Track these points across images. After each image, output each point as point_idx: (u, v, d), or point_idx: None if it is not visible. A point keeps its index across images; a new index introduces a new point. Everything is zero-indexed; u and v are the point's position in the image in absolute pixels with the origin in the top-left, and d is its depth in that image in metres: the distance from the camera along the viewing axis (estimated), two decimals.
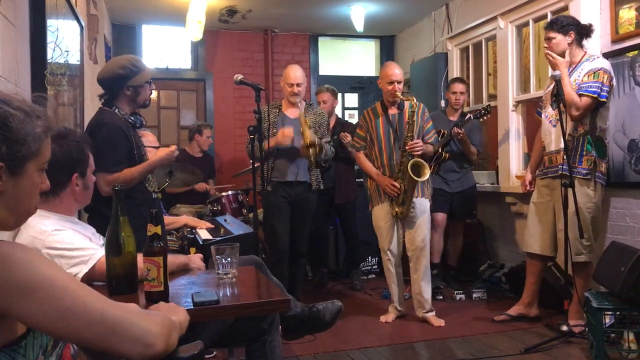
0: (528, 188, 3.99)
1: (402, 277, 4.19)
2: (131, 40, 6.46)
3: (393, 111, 4.08)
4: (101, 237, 2.12)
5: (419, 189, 3.97)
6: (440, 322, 3.96)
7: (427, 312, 4.03)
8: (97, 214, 2.58)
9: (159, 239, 1.75)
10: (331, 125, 5.23)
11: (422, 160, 3.88)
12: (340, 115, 6.00)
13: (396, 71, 4.02)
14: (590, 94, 3.47)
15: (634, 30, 3.72)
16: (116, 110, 2.80)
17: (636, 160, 3.71)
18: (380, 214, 4.08)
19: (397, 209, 3.96)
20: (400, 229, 4.11)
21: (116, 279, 1.81)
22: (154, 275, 1.71)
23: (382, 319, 4.14)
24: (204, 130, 5.66)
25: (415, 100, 3.99)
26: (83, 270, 1.89)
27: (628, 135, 3.77)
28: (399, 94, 3.98)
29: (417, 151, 3.88)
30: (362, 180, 5.79)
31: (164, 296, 1.72)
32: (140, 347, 1.07)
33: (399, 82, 4.00)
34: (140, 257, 1.80)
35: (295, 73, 4.21)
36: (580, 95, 3.48)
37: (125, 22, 6.37)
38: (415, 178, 3.81)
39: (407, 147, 3.89)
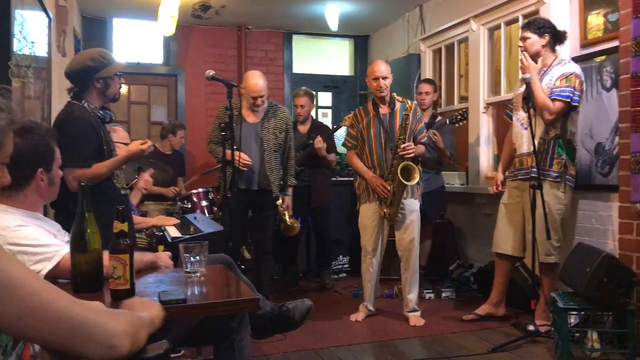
0: (499, 188, 4.03)
1: (379, 277, 4.20)
2: (102, 33, 6.34)
3: (384, 110, 4.06)
4: (67, 233, 2.07)
5: (409, 190, 3.97)
6: (418, 322, 3.97)
7: (409, 312, 4.05)
8: (63, 210, 2.53)
9: (126, 236, 1.72)
10: (307, 128, 5.23)
11: (413, 164, 3.88)
12: (313, 115, 5.99)
13: (381, 67, 4.01)
14: (563, 99, 3.52)
15: (602, 36, 3.80)
16: (85, 104, 2.74)
17: (602, 163, 3.78)
18: (368, 212, 4.08)
19: (385, 210, 3.97)
20: (386, 230, 4.11)
21: (81, 277, 1.77)
22: (119, 273, 1.68)
23: (352, 317, 4.14)
24: (179, 131, 5.61)
25: (409, 102, 3.99)
26: (47, 267, 1.85)
27: (595, 139, 3.84)
28: (385, 92, 3.96)
29: (409, 154, 3.88)
30: (341, 179, 5.82)
31: (129, 294, 1.69)
32: (104, 349, 1.04)
33: (384, 78, 3.98)
34: (106, 255, 1.77)
35: (257, 83, 4.10)
36: (553, 100, 3.54)
37: (95, 14, 6.25)
38: (405, 182, 3.82)
39: (398, 151, 3.89)
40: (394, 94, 4.10)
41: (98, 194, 2.56)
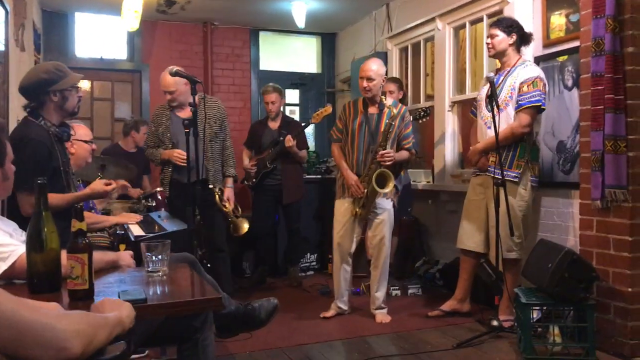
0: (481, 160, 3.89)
1: (351, 274, 4.19)
2: (63, 28, 6.20)
3: (373, 110, 4.03)
4: (23, 233, 2.01)
5: None
6: (385, 319, 3.98)
7: (376, 309, 4.06)
8: (19, 209, 2.45)
9: (84, 235, 1.68)
10: (277, 124, 5.21)
11: (389, 172, 3.86)
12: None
13: (370, 66, 3.92)
14: (535, 104, 3.58)
15: (564, 36, 3.87)
16: (42, 122, 2.64)
17: (564, 161, 3.86)
18: (340, 208, 4.08)
19: (357, 210, 3.97)
20: (358, 228, 4.10)
21: (37, 277, 1.72)
22: (78, 273, 1.64)
23: (322, 314, 4.14)
24: (142, 127, 5.47)
25: (396, 109, 3.96)
26: (1, 267, 1.79)
27: (557, 137, 3.92)
28: (369, 91, 3.92)
29: (386, 162, 3.87)
30: (311, 177, 5.81)
31: (88, 295, 1.65)
32: (52, 351, 1.01)
33: (368, 79, 3.91)
34: (64, 254, 1.72)
35: (164, 81, 4.11)
36: (525, 108, 3.59)
37: (56, 8, 6.09)
38: (377, 189, 3.81)
39: (377, 157, 3.87)
40: (383, 97, 4.05)
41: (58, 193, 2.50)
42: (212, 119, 4.24)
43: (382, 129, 3.95)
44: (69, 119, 2.82)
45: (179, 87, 4.10)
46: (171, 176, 4.27)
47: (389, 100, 4.07)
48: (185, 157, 3.70)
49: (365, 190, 3.90)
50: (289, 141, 4.93)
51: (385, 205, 4.03)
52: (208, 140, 4.21)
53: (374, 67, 3.94)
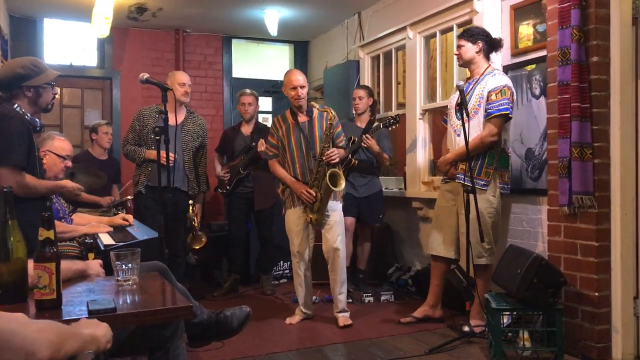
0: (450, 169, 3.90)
1: (311, 280, 4.23)
2: (31, 34, 6.09)
3: (302, 119, 4.11)
4: None
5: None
6: (346, 322, 4.00)
7: (339, 312, 4.07)
8: None
9: (52, 244, 1.65)
10: (250, 129, 5.21)
11: (339, 171, 3.97)
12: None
13: (298, 77, 4.09)
14: (502, 112, 3.64)
15: (532, 46, 3.95)
16: (17, 108, 2.62)
17: (532, 168, 3.93)
18: (292, 218, 4.11)
19: (311, 216, 4.01)
20: (312, 233, 4.14)
21: (4, 287, 1.69)
22: (45, 283, 1.61)
23: (287, 320, 4.18)
24: (99, 127, 5.27)
25: (332, 112, 4.06)
26: None
27: (525, 144, 3.99)
28: (303, 101, 4.04)
29: (334, 160, 3.95)
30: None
31: (56, 305, 1.62)
32: (21, 356, 1.01)
33: (302, 87, 4.05)
34: (31, 264, 1.69)
35: (184, 74, 4.45)
36: (493, 117, 3.65)
37: (24, 14, 5.99)
38: (333, 187, 3.88)
39: (324, 158, 3.94)
40: (312, 102, 4.22)
41: (23, 201, 2.45)
42: (195, 134, 4.57)
43: (317, 134, 4.05)
44: (41, 114, 2.79)
45: (190, 87, 4.50)
46: (148, 178, 4.39)
47: (317, 103, 4.20)
48: (172, 159, 3.75)
49: (319, 194, 3.95)
50: (262, 145, 4.93)
51: (335, 206, 4.09)
52: (190, 151, 4.50)
53: (301, 76, 4.13)
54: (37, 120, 2.71)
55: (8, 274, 1.68)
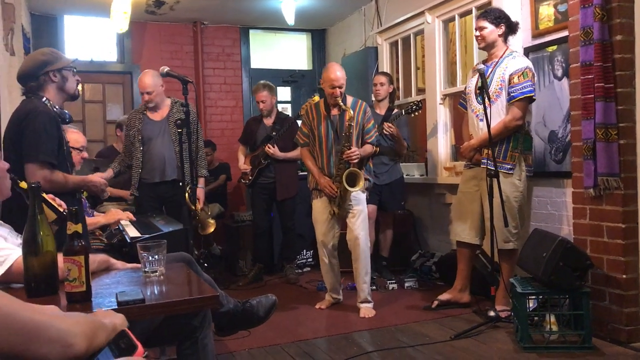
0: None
1: (339, 267, 4.26)
2: (52, 31, 6.17)
3: (335, 112, 4.10)
4: (19, 235, 2.01)
5: None
6: (368, 314, 4.00)
7: (361, 302, 4.08)
8: (12, 212, 2.45)
9: (80, 238, 1.68)
10: (271, 121, 5.22)
11: (358, 170, 3.95)
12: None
13: (338, 75, 4.01)
14: (527, 95, 3.61)
15: (553, 26, 3.88)
16: (45, 101, 2.68)
17: (556, 151, 3.88)
18: (319, 208, 4.16)
19: (334, 208, 4.06)
20: (337, 223, 4.18)
21: (35, 280, 1.72)
22: (75, 275, 1.64)
23: (317, 305, 4.25)
24: (125, 125, 5.41)
25: (352, 112, 3.99)
26: None
27: (548, 127, 3.93)
28: (339, 100, 3.99)
29: (353, 160, 3.95)
30: (305, 174, 5.81)
31: (86, 296, 1.65)
32: (59, 348, 1.02)
33: (340, 87, 4.00)
34: (60, 257, 1.72)
35: (143, 83, 4.29)
36: (517, 100, 3.60)
37: (45, 12, 6.07)
38: (349, 188, 3.90)
39: (343, 156, 3.95)
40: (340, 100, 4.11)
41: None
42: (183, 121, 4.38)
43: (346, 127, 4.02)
44: (70, 101, 2.85)
45: (157, 88, 4.29)
46: (140, 176, 4.39)
47: (348, 99, 4.11)
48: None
49: (339, 190, 3.99)
50: (269, 149, 4.98)
51: (360, 197, 4.10)
52: (181, 141, 4.31)
53: (341, 73, 4.05)
54: (66, 112, 2.78)
55: (39, 268, 1.71)
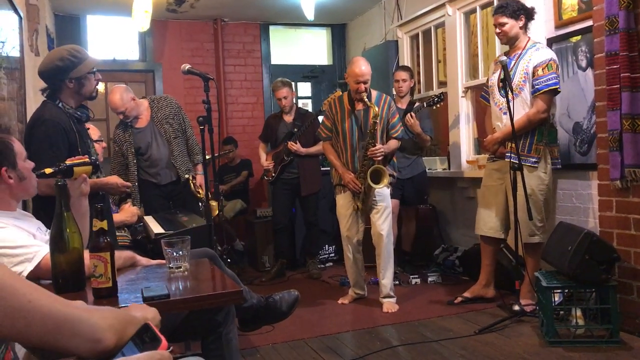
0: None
1: (363, 262, 4.26)
2: (75, 31, 6.25)
3: (359, 106, 4.07)
4: (47, 231, 2.04)
5: None
6: (392, 308, 3.99)
7: (384, 297, 4.07)
8: (44, 208, 2.48)
9: (105, 234, 1.70)
10: (292, 117, 5.23)
11: (383, 167, 3.92)
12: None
13: (364, 70, 3.96)
14: (552, 87, 3.56)
15: (577, 16, 3.82)
16: (60, 105, 2.67)
17: (581, 143, 3.82)
18: (343, 202, 4.16)
19: (358, 204, 4.05)
20: (361, 218, 4.17)
21: (62, 277, 1.75)
22: (101, 272, 1.67)
23: (340, 300, 4.25)
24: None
25: (377, 108, 3.95)
26: (28, 268, 1.82)
27: (573, 118, 3.88)
28: (364, 95, 3.94)
29: (378, 157, 3.93)
30: (328, 169, 5.82)
31: (112, 292, 1.68)
32: (89, 342, 1.03)
33: (365, 83, 3.96)
34: (86, 254, 1.75)
35: (112, 104, 4.26)
36: (541, 93, 3.56)
37: (68, 12, 6.15)
38: (373, 185, 3.89)
39: (368, 153, 3.93)
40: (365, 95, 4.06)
41: None
42: (169, 117, 4.42)
43: (371, 122, 3.98)
44: (87, 102, 2.85)
45: (128, 104, 4.27)
46: (139, 177, 4.39)
47: (372, 94, 4.07)
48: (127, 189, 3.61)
49: (363, 187, 3.97)
50: (292, 146, 4.99)
51: (384, 193, 4.08)
52: (172, 138, 4.39)
53: (367, 68, 3.99)
54: (85, 112, 2.77)
55: (66, 264, 1.74)
